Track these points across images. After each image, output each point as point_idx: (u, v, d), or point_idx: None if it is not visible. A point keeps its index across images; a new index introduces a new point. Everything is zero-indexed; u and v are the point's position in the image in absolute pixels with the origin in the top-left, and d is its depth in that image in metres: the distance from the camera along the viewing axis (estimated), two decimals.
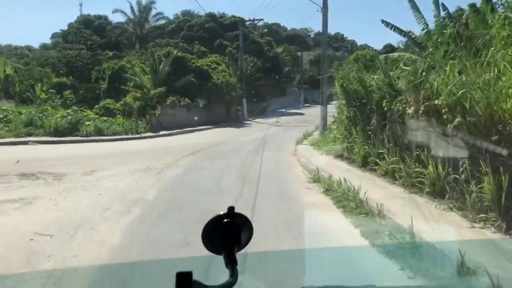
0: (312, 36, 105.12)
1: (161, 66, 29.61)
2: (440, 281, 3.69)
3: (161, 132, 22.49)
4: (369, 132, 10.46)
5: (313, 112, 44.18)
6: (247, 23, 42.21)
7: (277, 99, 48.33)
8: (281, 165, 12.81)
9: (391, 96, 8.86)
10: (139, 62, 33.32)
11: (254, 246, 1.25)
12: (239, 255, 1.14)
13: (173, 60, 29.71)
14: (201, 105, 28.62)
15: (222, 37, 42.86)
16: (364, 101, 10.77)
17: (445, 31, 13.78)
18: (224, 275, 1.07)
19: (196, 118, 27.55)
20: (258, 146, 17.54)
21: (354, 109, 11.51)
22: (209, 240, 1.12)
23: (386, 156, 8.98)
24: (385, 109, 9.16)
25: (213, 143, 18.68)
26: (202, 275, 1.03)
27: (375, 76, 10.34)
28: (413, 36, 15.41)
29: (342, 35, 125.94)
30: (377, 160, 9.37)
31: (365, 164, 10.55)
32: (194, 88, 29.11)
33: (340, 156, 12.51)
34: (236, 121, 31.97)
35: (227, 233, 1.12)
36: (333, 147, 13.15)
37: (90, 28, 47.24)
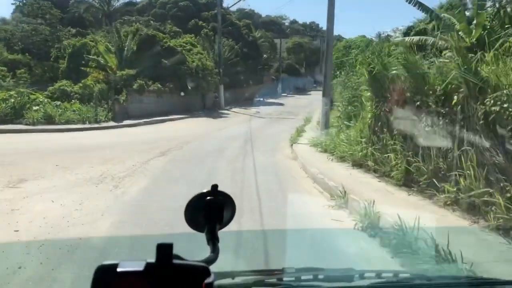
0: (287, 24, 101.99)
1: (127, 45, 25.73)
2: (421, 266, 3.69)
3: (126, 122, 18.85)
4: (417, 139, 7.37)
5: (293, 103, 41.24)
6: (226, 3, 38.50)
7: (254, 87, 44.96)
8: (282, 175, 9.60)
9: (474, 89, 5.75)
10: (105, 41, 29.17)
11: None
12: (221, 233, 1.11)
13: (142, 39, 25.89)
14: (173, 91, 24.99)
15: (198, 17, 38.98)
16: (408, 94, 7.65)
17: (482, 11, 10.93)
18: (205, 253, 1.04)
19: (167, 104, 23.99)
20: (245, 144, 14.27)
21: (389, 104, 8.39)
22: (191, 218, 1.10)
23: (462, 180, 5.90)
24: (459, 108, 6.08)
25: (189, 138, 15.26)
26: (183, 252, 0.81)
27: (440, 59, 7.22)
28: (442, 16, 12.51)
29: (318, 24, 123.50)
30: (446, 185, 6.25)
31: (407, 182, 7.51)
32: (165, 71, 25.45)
33: (359, 165, 9.45)
34: (212, 111, 28.50)
35: (210, 211, 1.10)
36: (348, 152, 10.04)
37: (52, 2, 42.29)
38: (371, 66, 8.85)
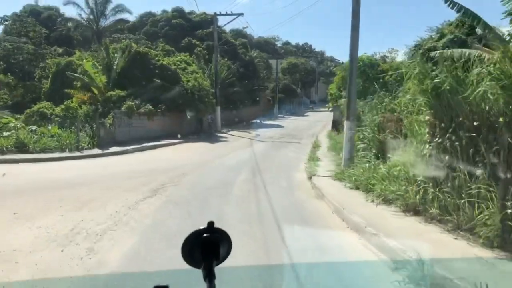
0: (279, 45, 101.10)
1: (116, 63, 23.51)
2: None
3: (112, 149, 16.43)
4: None
5: (292, 125, 39.17)
6: (221, 21, 36.61)
7: (251, 109, 42.89)
8: (313, 226, 7.24)
9: None
10: (92, 59, 26.96)
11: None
12: (217, 269, 1.12)
13: (132, 56, 23.70)
14: (166, 113, 22.71)
15: (191, 36, 37.04)
16: (502, 119, 5.41)
17: None
18: None
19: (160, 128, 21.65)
20: (253, 177, 11.91)
21: (465, 132, 6.14)
22: (188, 254, 1.14)
23: None
24: None
25: (186, 169, 12.87)
26: None
27: None
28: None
29: (310, 45, 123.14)
30: None
31: (505, 245, 5.22)
32: (158, 92, 23.22)
33: (414, 211, 7.15)
34: (209, 134, 26.20)
35: (206, 248, 1.13)
36: (396, 193, 7.74)
37: (38, 21, 40.19)
38: (435, 81, 6.62)
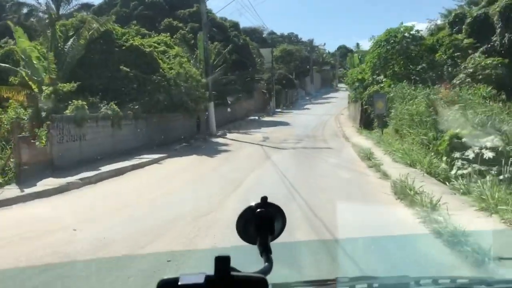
0: (264, 35, 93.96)
1: (68, 47, 16.41)
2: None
3: (44, 183, 9.31)
4: None
5: (298, 121, 32.15)
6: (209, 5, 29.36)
7: (245, 104, 35.97)
8: None
9: None
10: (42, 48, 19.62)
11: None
12: (272, 244, 1.08)
13: (91, 37, 16.59)
14: (140, 115, 15.73)
15: (172, 17, 29.90)
16: None
17: None
18: (258, 265, 1.00)
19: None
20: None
21: None
22: (243, 230, 1.09)
23: None
24: None
25: (172, 236, 5.94)
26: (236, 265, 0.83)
27: None
28: None
29: (297, 35, 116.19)
30: None
31: None
32: (128, 85, 16.23)
33: None
34: (201, 141, 19.24)
35: (261, 223, 1.08)
36: None
37: None
38: None
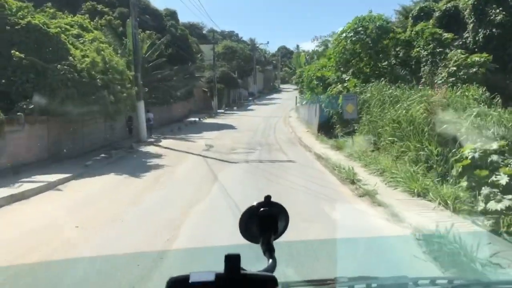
0: (204, 32, 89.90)
1: None
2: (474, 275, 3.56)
3: None
4: None
5: (244, 123, 28.49)
6: None
7: (183, 104, 31.79)
8: None
9: None
10: None
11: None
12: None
13: None
14: (37, 120, 11.37)
15: (96, 0, 25.13)
16: None
17: None
18: (258, 264, 1.00)
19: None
20: None
21: None
22: (245, 229, 1.07)
23: None
24: None
25: None
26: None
27: None
28: None
29: (237, 34, 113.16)
30: None
31: None
32: (23, 75, 11.78)
33: None
34: (125, 151, 15.02)
35: (264, 222, 1.07)
36: None
37: None
38: None
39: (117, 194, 8.89)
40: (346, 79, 16.54)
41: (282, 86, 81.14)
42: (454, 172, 8.01)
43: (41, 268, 4.02)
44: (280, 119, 31.71)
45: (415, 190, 7.68)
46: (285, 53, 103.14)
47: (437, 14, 19.26)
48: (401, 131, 11.29)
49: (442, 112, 9.53)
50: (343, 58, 15.70)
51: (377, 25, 15.32)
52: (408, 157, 9.76)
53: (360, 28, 15.44)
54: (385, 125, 12.12)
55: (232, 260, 0.78)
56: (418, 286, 1.48)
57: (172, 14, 30.03)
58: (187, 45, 29.03)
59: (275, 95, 63.52)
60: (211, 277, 0.75)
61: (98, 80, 12.72)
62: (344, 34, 16.12)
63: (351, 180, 9.13)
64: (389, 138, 11.55)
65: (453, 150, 8.39)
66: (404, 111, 11.07)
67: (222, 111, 39.55)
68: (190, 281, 0.74)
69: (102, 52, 13.71)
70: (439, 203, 7.03)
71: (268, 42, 77.85)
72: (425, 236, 4.86)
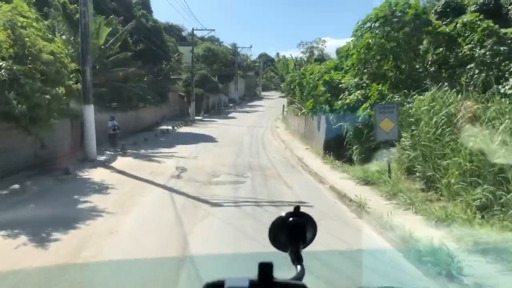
0: (184, 34, 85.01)
1: None
2: None
3: None
4: None
5: (225, 134, 23.87)
6: None
7: (154, 109, 26.86)
8: None
9: None
10: None
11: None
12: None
13: None
14: None
15: None
16: None
17: None
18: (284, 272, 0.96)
19: None
20: None
21: None
22: (274, 238, 1.09)
23: None
24: None
25: None
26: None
27: None
28: None
29: (218, 38, 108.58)
30: None
31: None
32: None
33: None
34: (55, 177, 10.13)
35: (292, 231, 1.09)
36: None
37: None
38: None
39: None
40: (363, 84, 12.16)
41: (263, 93, 76.94)
42: None
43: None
44: (266, 129, 27.20)
45: None
46: (265, 61, 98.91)
47: (472, 8, 15.24)
48: (483, 167, 6.98)
49: None
50: (368, 57, 11.27)
51: (414, 14, 11.00)
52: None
53: (392, 16, 11.09)
54: (452, 154, 7.74)
55: (265, 268, 0.79)
56: None
57: (144, 4, 25.14)
58: (161, 39, 24.20)
59: (256, 102, 59.09)
60: (245, 283, 0.76)
61: (3, 71, 7.86)
62: (368, 24, 11.75)
63: (439, 270, 4.65)
64: (459, 179, 7.19)
65: None
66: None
67: (200, 118, 34.74)
68: (225, 287, 0.75)
69: (21, 31, 8.86)
70: None
71: (251, 46, 72.99)
72: None
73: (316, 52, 62.24)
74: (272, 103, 54.16)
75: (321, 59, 53.34)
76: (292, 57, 48.76)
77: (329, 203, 8.60)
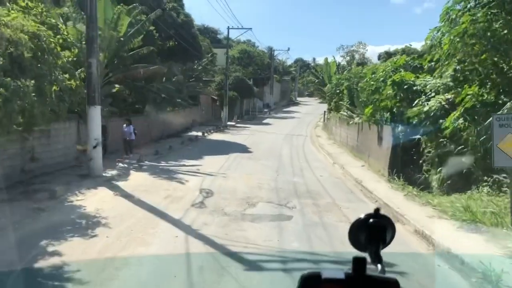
0: (220, 37, 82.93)
1: None
2: None
3: None
4: None
5: (261, 144, 20.49)
6: None
7: (184, 113, 24.29)
8: None
9: None
10: None
11: None
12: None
13: None
14: None
15: None
16: None
17: None
18: None
19: None
20: None
21: None
22: (354, 238, 1.08)
23: None
24: None
25: None
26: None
27: None
28: None
29: (254, 43, 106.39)
30: None
31: None
32: None
33: None
34: (36, 204, 7.43)
35: (372, 232, 1.07)
36: None
37: None
38: None
39: None
40: (452, 86, 8.85)
41: (299, 98, 73.74)
42: None
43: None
44: (306, 138, 24.04)
45: None
46: (301, 65, 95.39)
47: None
48: None
49: None
50: (466, 48, 7.98)
51: None
52: None
53: None
54: None
55: (359, 262, 0.81)
56: None
57: None
58: (192, 36, 21.51)
59: (292, 108, 56.01)
60: (341, 275, 0.79)
61: None
62: (461, 5, 8.50)
63: None
64: None
65: None
66: None
67: (233, 123, 31.99)
68: (322, 277, 0.77)
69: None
70: None
71: (288, 49, 69.29)
72: None
73: (356, 56, 58.56)
74: (309, 109, 50.90)
75: (363, 63, 49.72)
76: (334, 59, 45.20)
77: (429, 265, 5.40)
